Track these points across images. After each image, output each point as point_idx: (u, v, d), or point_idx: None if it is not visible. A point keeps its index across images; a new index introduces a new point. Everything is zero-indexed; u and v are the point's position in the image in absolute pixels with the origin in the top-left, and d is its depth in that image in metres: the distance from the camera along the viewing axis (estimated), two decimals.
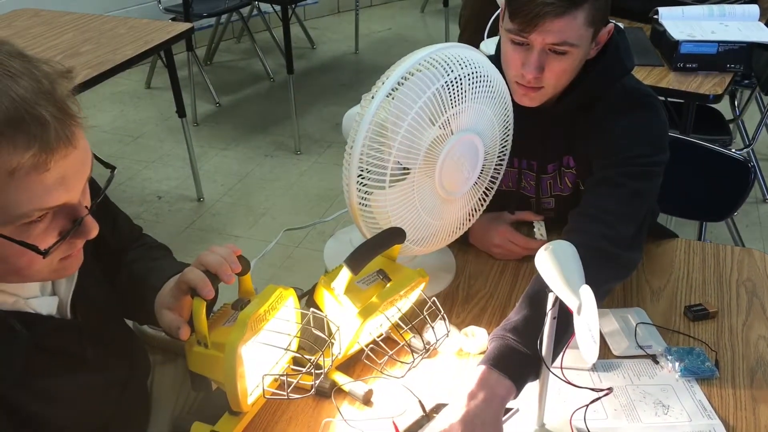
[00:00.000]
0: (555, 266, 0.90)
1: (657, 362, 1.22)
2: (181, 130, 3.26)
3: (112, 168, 0.93)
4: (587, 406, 0.98)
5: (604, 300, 1.25)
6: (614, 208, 1.26)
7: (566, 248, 0.92)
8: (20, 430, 0.91)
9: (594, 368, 1.21)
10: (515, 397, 1.03)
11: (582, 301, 0.84)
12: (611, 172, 1.29)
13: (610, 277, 1.21)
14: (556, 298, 0.92)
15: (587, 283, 0.85)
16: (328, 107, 4.30)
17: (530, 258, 1.47)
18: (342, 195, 1.25)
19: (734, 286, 1.42)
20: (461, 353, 1.25)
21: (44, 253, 0.83)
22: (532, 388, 1.15)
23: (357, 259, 1.08)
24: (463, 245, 1.52)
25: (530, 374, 1.04)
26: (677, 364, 1.19)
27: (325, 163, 3.70)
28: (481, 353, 1.25)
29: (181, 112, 3.17)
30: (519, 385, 1.03)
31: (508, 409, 1.04)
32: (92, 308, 1.05)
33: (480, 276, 1.47)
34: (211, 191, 3.45)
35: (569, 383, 0.96)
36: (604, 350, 1.25)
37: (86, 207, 0.87)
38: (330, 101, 4.39)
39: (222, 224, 3.17)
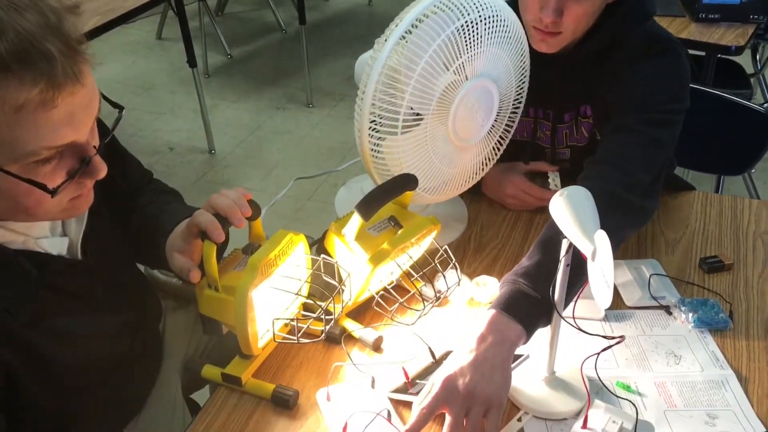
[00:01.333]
0: (570, 212, 0.88)
1: (670, 313, 1.21)
2: (192, 81, 3.23)
3: (120, 108, 0.91)
4: (598, 354, 0.97)
5: (619, 248, 1.23)
6: (631, 155, 1.23)
7: (581, 194, 0.90)
8: (33, 369, 0.92)
9: (606, 318, 1.20)
10: (525, 342, 1.03)
11: (597, 247, 0.82)
12: (629, 119, 1.25)
13: (626, 224, 1.19)
14: (570, 244, 0.91)
15: (602, 229, 0.83)
16: (341, 60, 4.25)
17: (544, 209, 1.46)
18: (354, 148, 1.23)
19: (751, 239, 1.39)
20: (472, 302, 1.24)
21: (52, 192, 0.82)
22: (543, 335, 1.15)
23: (368, 205, 1.07)
24: (475, 195, 1.50)
25: (541, 320, 1.03)
26: (691, 314, 1.18)
27: (338, 117, 3.67)
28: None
29: (192, 62, 3.14)
30: (529, 330, 1.02)
31: (519, 356, 1.04)
32: (103, 250, 1.04)
33: (492, 226, 1.45)
34: (223, 143, 3.43)
35: (581, 330, 0.95)
36: (617, 301, 1.24)
37: (95, 147, 0.86)
38: (342, 53, 4.33)
39: (233, 176, 3.16)
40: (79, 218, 1.01)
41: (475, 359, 0.97)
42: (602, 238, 0.81)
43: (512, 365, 1.01)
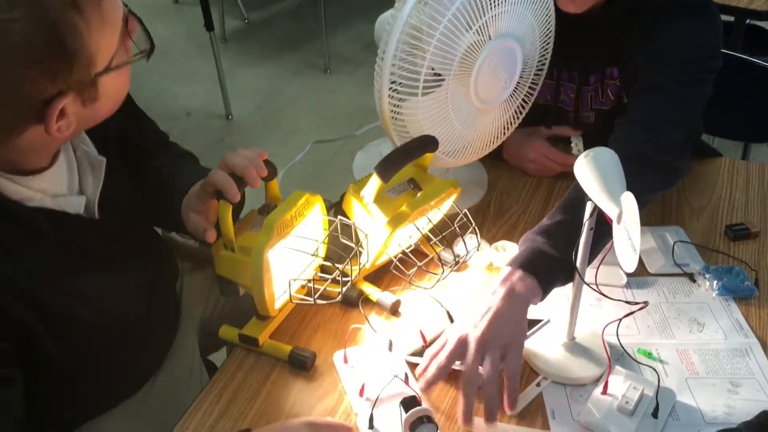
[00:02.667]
0: (595, 174, 0.86)
1: (694, 281, 1.19)
2: (209, 46, 3.20)
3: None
4: (620, 320, 0.95)
5: (646, 208, 1.21)
6: (662, 114, 1.20)
7: (608, 155, 0.88)
8: (50, 327, 0.92)
9: (628, 285, 1.18)
10: (540, 300, 1.02)
11: (623, 209, 0.80)
12: (660, 78, 1.22)
13: (656, 185, 1.17)
14: (595, 207, 0.89)
15: (632, 190, 0.81)
16: (360, 25, 4.19)
17: (565, 175, 1.44)
18: (374, 114, 1.21)
19: None
20: (491, 268, 1.23)
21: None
22: (563, 301, 1.13)
23: (387, 167, 1.05)
24: (496, 160, 1.48)
25: (558, 278, 1.02)
26: (715, 282, 1.15)
27: (356, 83, 3.63)
28: None
29: (209, 26, 3.11)
30: (545, 287, 1.01)
31: (539, 321, 1.02)
32: (119, 209, 1.04)
33: (513, 192, 1.43)
34: (240, 109, 3.41)
35: (603, 295, 0.94)
36: (640, 268, 1.22)
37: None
38: (361, 19, 4.27)
39: (251, 141, 3.15)
40: (96, 176, 1.00)
41: (489, 312, 0.97)
42: (629, 200, 0.79)
43: (532, 330, 1.00)
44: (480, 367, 0.94)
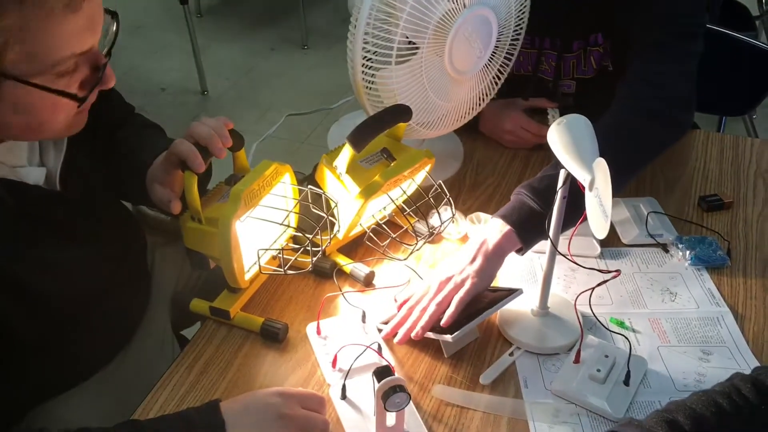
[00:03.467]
0: (568, 140, 0.85)
1: (667, 251, 1.19)
2: (183, 20, 3.14)
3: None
4: (593, 289, 0.95)
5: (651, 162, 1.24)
6: (666, 68, 1.20)
7: (581, 122, 0.87)
8: (14, 300, 0.90)
9: (601, 256, 1.18)
10: (522, 254, 1.05)
11: (595, 175, 0.79)
12: (658, 34, 1.22)
13: (666, 139, 1.19)
14: (568, 175, 0.88)
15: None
16: (337, 0, 4.13)
17: (541, 147, 1.43)
18: (351, 90, 1.19)
19: (752, 178, 1.37)
20: (466, 239, 1.22)
21: (81, 101, 0.83)
22: (537, 271, 1.13)
23: (360, 136, 1.03)
24: (472, 133, 1.47)
25: (540, 232, 1.03)
26: (688, 252, 1.16)
27: (333, 59, 3.58)
28: None
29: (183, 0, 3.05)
30: (525, 239, 1.04)
31: (512, 291, 1.02)
32: (82, 181, 1.01)
33: (488, 164, 1.42)
34: (216, 84, 3.36)
35: (576, 264, 0.93)
36: (613, 238, 1.22)
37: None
38: None
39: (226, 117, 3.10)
40: (58, 148, 0.97)
41: (465, 258, 1.03)
42: (601, 166, 0.78)
43: (504, 301, 0.99)
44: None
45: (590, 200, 0.81)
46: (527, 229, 1.03)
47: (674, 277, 1.14)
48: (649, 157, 1.19)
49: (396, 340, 1.00)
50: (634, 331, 1.05)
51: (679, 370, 0.98)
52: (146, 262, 1.24)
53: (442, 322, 0.98)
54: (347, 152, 1.05)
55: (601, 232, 0.79)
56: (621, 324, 1.05)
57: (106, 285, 1.07)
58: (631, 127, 1.15)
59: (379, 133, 1.06)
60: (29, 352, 0.97)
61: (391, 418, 0.87)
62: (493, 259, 1.03)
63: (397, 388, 0.82)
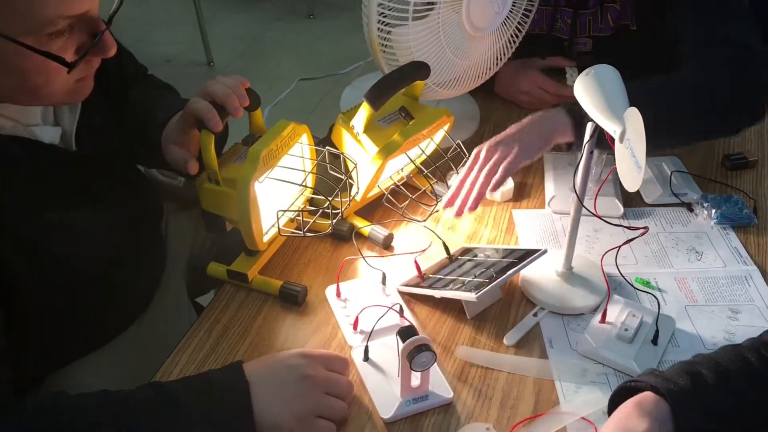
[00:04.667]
0: (596, 91, 0.82)
1: (692, 210, 1.16)
2: None
3: None
4: (619, 247, 0.93)
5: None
6: (733, 29, 1.15)
7: (609, 72, 0.84)
8: (29, 263, 0.88)
9: (624, 216, 1.16)
10: (569, 139, 1.12)
11: (627, 126, 0.76)
12: None
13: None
14: (595, 128, 0.85)
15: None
16: None
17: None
18: (360, 58, 1.16)
19: None
20: (484, 201, 1.19)
21: (70, 66, 0.79)
22: (561, 231, 1.11)
23: (378, 93, 1.00)
24: (488, 94, 1.44)
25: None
26: (714, 211, 1.13)
27: (340, 29, 3.53)
28: (506, 201, 1.20)
29: None
30: (576, 117, 1.09)
31: (536, 251, 0.99)
32: (98, 142, 0.99)
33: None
34: (221, 55, 3.33)
35: (603, 220, 0.91)
36: (636, 198, 1.19)
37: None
38: None
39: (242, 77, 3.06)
40: (73, 108, 0.95)
41: (519, 129, 1.13)
42: (633, 116, 0.75)
43: (528, 260, 0.97)
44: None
45: (621, 152, 0.78)
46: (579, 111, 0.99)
47: (700, 237, 1.12)
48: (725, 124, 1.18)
49: (454, 212, 1.11)
50: (660, 290, 1.02)
51: (707, 329, 0.96)
52: (161, 227, 1.22)
53: (489, 188, 1.09)
54: (364, 111, 1.02)
55: (634, 185, 0.76)
56: (647, 284, 1.03)
57: (123, 249, 1.05)
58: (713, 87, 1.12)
59: (397, 90, 1.03)
60: (46, 316, 0.95)
61: (415, 379, 0.85)
62: (540, 134, 1.11)
63: (423, 348, 0.81)
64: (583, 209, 0.93)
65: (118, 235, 1.04)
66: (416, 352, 0.80)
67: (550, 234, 1.13)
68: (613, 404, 0.78)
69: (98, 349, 1.06)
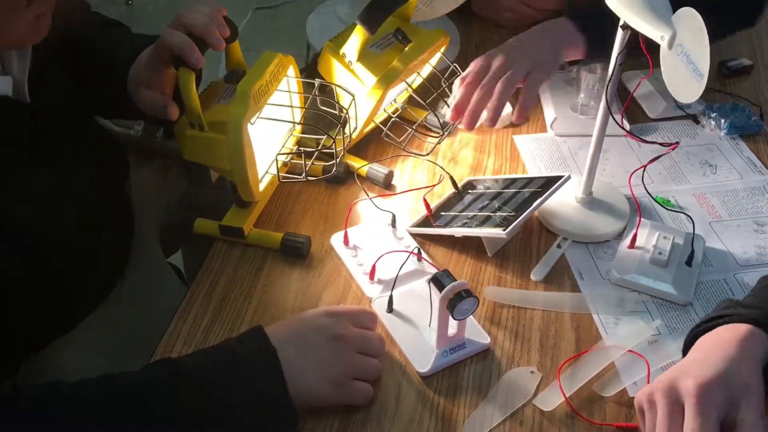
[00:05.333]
0: None
1: (698, 122, 1.11)
2: None
3: None
4: (645, 166, 0.86)
5: None
6: None
7: None
8: (3, 234, 0.76)
9: (631, 134, 1.09)
10: (583, 54, 1.04)
11: (678, 29, 0.68)
12: None
13: None
14: (628, 35, 0.77)
15: None
16: None
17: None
18: None
19: (765, 40, 1.29)
20: (482, 129, 1.11)
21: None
22: (565, 158, 1.04)
23: (374, 15, 0.89)
24: (464, 14, 1.34)
25: (607, 35, 0.86)
26: (722, 121, 1.08)
27: None
28: (505, 127, 1.12)
29: None
30: (592, 34, 1.02)
31: (560, 177, 0.92)
32: (53, 93, 0.85)
33: (489, 46, 1.27)
34: None
35: (634, 137, 0.84)
36: (638, 115, 1.13)
37: None
38: None
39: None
40: (22, 55, 0.81)
41: (520, 39, 1.04)
42: (687, 16, 0.67)
43: (554, 188, 0.90)
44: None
45: (671, 61, 0.71)
46: (593, 23, 0.99)
47: (710, 149, 1.07)
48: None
49: (463, 124, 1.02)
50: (681, 209, 0.98)
51: (737, 245, 0.92)
52: (128, 185, 1.09)
53: (520, 106, 1.01)
54: (358, 37, 0.91)
55: (691, 95, 0.69)
56: (667, 202, 0.98)
57: (89, 212, 0.93)
58: None
59: (395, 9, 0.92)
60: (8, 292, 0.83)
61: (452, 327, 0.78)
62: (553, 50, 1.03)
63: (463, 294, 0.73)
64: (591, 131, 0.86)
65: (83, 198, 0.91)
66: (458, 299, 0.73)
67: (557, 158, 1.06)
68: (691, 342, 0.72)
69: (76, 326, 0.95)
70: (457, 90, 1.02)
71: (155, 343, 0.83)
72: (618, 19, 0.77)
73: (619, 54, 0.79)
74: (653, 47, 0.72)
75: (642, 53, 0.73)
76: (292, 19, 2.69)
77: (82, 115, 0.95)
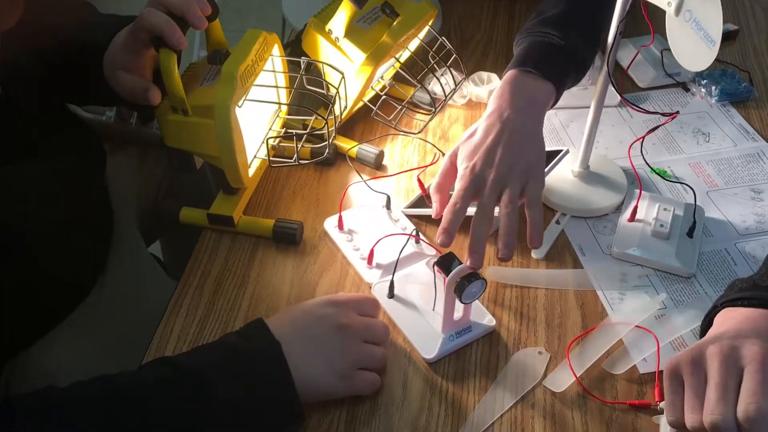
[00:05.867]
0: None
1: (688, 90, 1.10)
2: None
3: None
4: (643, 138, 0.85)
5: None
6: None
7: None
8: None
9: (620, 104, 1.08)
10: (554, 104, 0.87)
11: None
12: None
13: None
14: (628, 5, 0.74)
15: None
16: None
17: None
18: None
19: (748, 5, 1.28)
20: (471, 105, 1.08)
21: None
22: (557, 130, 1.02)
23: None
24: None
25: (570, 74, 0.87)
26: (713, 87, 1.07)
27: None
28: None
29: None
30: (559, 87, 0.85)
31: (558, 151, 0.90)
32: (26, 83, 0.80)
33: (471, 19, 1.26)
34: None
35: (637, 108, 0.82)
36: (628, 84, 1.12)
37: None
38: None
39: None
40: None
41: (500, 133, 0.80)
42: None
43: (553, 163, 0.88)
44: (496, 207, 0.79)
45: (678, 27, 0.68)
46: (563, 78, 0.87)
47: (702, 117, 1.05)
48: None
49: (470, 264, 0.74)
50: (677, 179, 0.96)
51: (735, 214, 0.91)
52: (105, 174, 1.04)
53: (533, 234, 0.79)
54: (345, 12, 0.87)
55: (702, 63, 0.67)
56: (664, 173, 0.97)
57: (68, 206, 0.88)
58: None
59: None
60: None
61: (457, 311, 0.76)
62: (528, 127, 0.82)
63: (472, 277, 0.71)
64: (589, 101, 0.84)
65: (61, 191, 0.86)
66: (466, 282, 0.70)
67: (549, 131, 1.04)
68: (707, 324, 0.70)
69: (58, 325, 0.90)
70: (437, 204, 0.84)
71: (143, 339, 0.79)
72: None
73: (620, 22, 0.77)
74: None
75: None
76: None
77: (56, 105, 0.90)
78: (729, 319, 0.66)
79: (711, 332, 0.66)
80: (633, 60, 0.95)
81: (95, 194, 0.99)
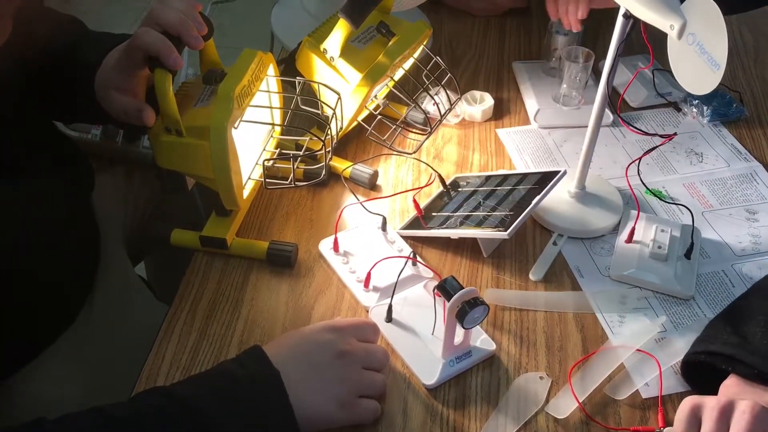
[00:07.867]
0: None
1: (679, 109, 1.10)
2: None
3: None
4: (640, 158, 0.85)
5: None
6: None
7: None
8: None
9: (613, 124, 1.08)
10: None
11: (690, 18, 0.66)
12: None
13: None
14: (632, 23, 0.74)
15: None
16: None
17: (515, 13, 1.29)
18: None
19: (735, 25, 1.29)
20: (464, 124, 1.08)
21: None
22: (551, 150, 1.02)
23: (358, 7, 0.84)
24: (433, 5, 1.30)
25: None
26: (705, 108, 1.07)
27: None
28: (486, 120, 1.08)
29: None
30: None
31: (555, 172, 0.89)
32: (11, 100, 0.78)
33: (461, 37, 1.26)
34: None
35: (631, 128, 0.82)
36: (620, 104, 1.12)
37: None
38: None
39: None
40: None
41: None
42: (701, 2, 0.65)
43: (551, 185, 0.87)
44: None
45: (681, 51, 0.68)
46: None
47: (694, 137, 1.06)
48: None
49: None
50: (672, 199, 0.96)
51: (731, 235, 0.91)
52: (91, 195, 1.02)
53: None
54: (341, 31, 0.86)
55: (705, 87, 0.67)
56: (659, 194, 0.96)
57: (53, 229, 0.86)
58: None
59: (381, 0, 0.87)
60: None
61: (457, 336, 0.75)
62: None
63: (474, 302, 0.69)
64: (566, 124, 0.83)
65: (45, 208, 0.84)
66: (468, 307, 0.69)
67: (543, 152, 1.03)
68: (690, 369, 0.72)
69: (43, 351, 0.87)
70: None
71: (132, 366, 0.77)
72: None
73: (619, 44, 0.76)
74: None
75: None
76: (254, 12, 2.59)
77: (42, 122, 0.88)
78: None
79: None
80: (630, 82, 0.95)
81: (82, 213, 0.97)
